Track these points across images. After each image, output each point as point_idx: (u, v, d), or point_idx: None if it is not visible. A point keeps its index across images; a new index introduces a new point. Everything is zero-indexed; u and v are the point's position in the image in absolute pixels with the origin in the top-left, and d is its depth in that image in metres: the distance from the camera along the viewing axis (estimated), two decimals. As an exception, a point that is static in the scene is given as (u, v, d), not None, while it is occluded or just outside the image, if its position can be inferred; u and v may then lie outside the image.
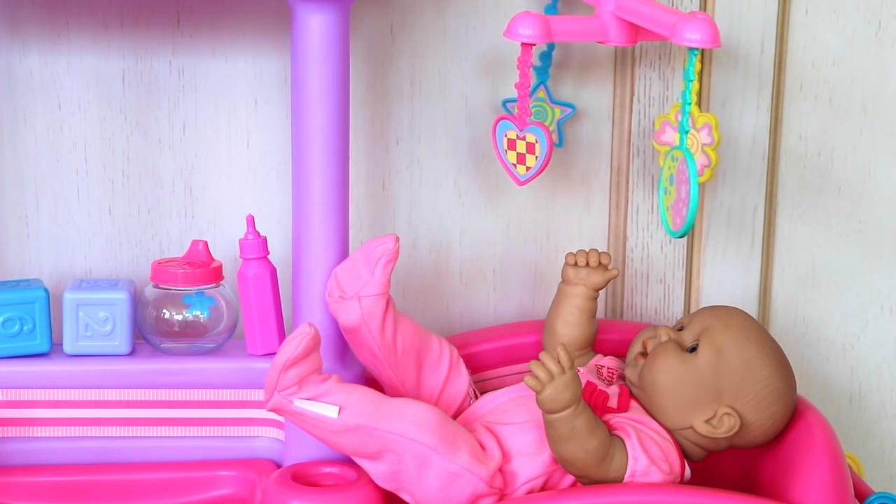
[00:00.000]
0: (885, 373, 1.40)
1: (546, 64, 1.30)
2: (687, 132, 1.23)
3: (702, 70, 1.24)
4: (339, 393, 1.08)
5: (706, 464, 1.16)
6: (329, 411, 1.07)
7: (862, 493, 1.20)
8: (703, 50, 1.20)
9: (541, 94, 1.30)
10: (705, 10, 1.31)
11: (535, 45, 1.19)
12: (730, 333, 1.14)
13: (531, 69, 1.28)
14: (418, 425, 1.08)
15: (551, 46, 1.29)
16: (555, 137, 1.30)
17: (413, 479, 1.09)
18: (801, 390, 1.18)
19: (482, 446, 1.11)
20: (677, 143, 1.24)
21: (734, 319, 1.16)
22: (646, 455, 1.10)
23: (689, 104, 1.22)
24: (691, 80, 1.20)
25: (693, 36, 1.12)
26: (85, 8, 1.26)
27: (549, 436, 1.09)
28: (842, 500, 1.09)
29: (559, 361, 1.07)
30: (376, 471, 1.10)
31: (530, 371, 1.08)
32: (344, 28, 1.15)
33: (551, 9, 1.27)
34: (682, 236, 1.23)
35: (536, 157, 1.21)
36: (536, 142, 1.21)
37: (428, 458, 1.08)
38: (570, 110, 1.31)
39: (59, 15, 1.26)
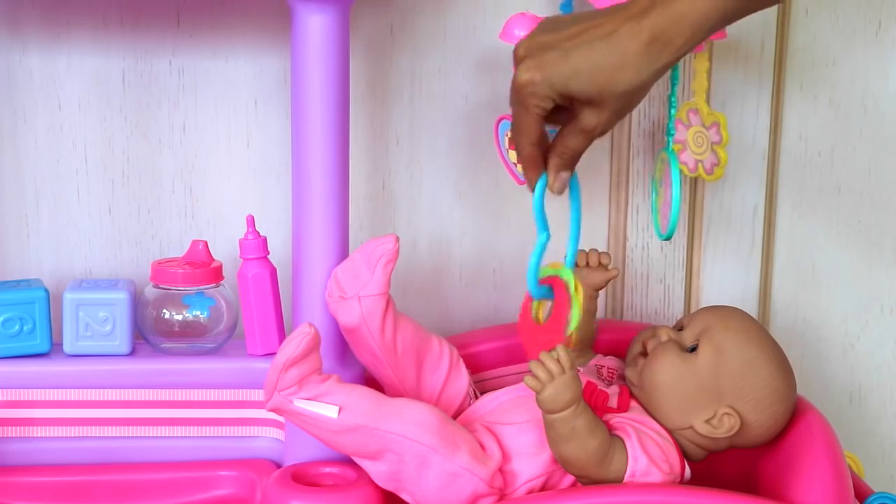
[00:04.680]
0: (885, 373, 1.40)
1: None
2: (672, 135, 1.24)
3: (709, 67, 1.24)
4: (339, 393, 1.08)
5: (706, 464, 1.16)
6: (329, 411, 1.07)
7: (862, 493, 1.20)
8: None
9: None
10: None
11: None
12: (730, 334, 1.14)
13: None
14: (418, 425, 1.08)
15: None
16: None
17: (413, 480, 1.09)
18: (801, 390, 1.18)
19: (482, 446, 1.11)
20: (670, 144, 1.25)
21: (734, 320, 1.16)
22: (646, 455, 1.10)
23: (675, 107, 1.22)
24: (676, 84, 1.21)
25: None
26: (85, 8, 1.26)
27: (549, 436, 1.09)
28: (842, 500, 1.09)
29: (559, 361, 1.07)
30: (376, 471, 1.10)
31: (530, 371, 1.08)
32: (344, 28, 1.15)
33: (567, 7, 1.28)
34: (667, 238, 1.24)
35: None
36: None
37: (428, 459, 1.08)
38: None
39: (59, 15, 1.26)
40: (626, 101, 1.02)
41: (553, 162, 1.07)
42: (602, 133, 1.05)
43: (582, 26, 1.01)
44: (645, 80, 1.00)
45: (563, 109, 1.05)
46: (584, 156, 1.34)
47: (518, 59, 1.03)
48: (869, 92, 1.34)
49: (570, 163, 1.07)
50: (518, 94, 1.03)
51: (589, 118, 1.03)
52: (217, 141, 1.31)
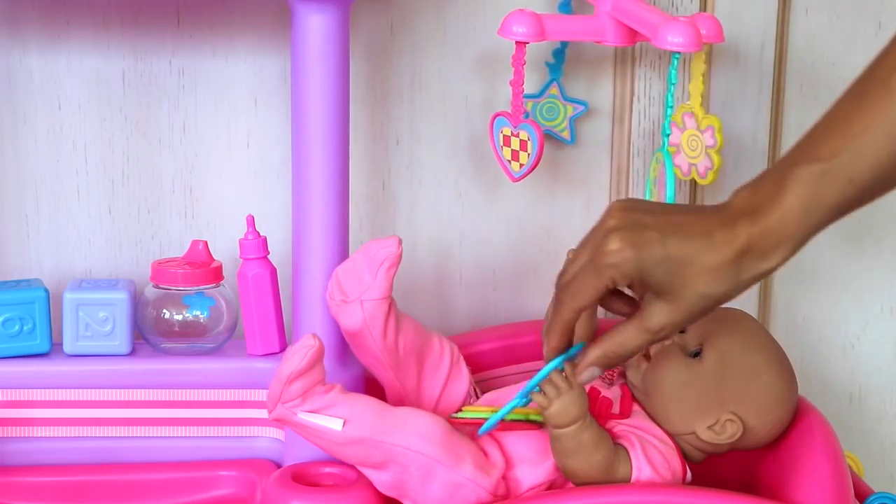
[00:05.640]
0: (885, 373, 1.40)
1: (559, 61, 1.30)
2: (668, 135, 1.24)
3: (707, 70, 1.24)
4: (344, 405, 1.08)
5: (706, 464, 1.16)
6: (333, 424, 1.07)
7: (862, 493, 1.20)
8: (703, 51, 1.21)
9: (553, 90, 1.30)
10: (705, 10, 1.31)
11: (528, 43, 1.19)
12: (733, 338, 1.13)
13: (545, 65, 1.29)
14: (422, 437, 1.08)
15: (564, 44, 1.30)
16: (567, 134, 1.31)
17: (417, 489, 1.09)
18: (802, 390, 1.18)
19: (485, 453, 1.11)
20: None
21: (737, 323, 1.15)
22: (650, 465, 1.09)
23: (672, 107, 1.22)
24: (674, 84, 1.21)
25: (674, 39, 1.13)
26: (85, 8, 1.26)
27: (555, 449, 1.09)
28: (842, 501, 1.09)
29: (566, 377, 1.07)
30: (380, 479, 1.10)
31: (530, 372, 1.08)
32: (344, 28, 1.15)
33: (565, 7, 1.28)
34: None
35: (529, 154, 1.22)
36: (528, 139, 1.21)
37: (432, 470, 1.08)
38: (581, 107, 1.31)
39: (59, 15, 1.26)
40: (702, 306, 0.96)
41: (594, 354, 1.02)
42: (664, 338, 0.99)
43: (679, 218, 0.97)
44: (728, 289, 0.96)
45: (622, 298, 1.01)
46: (584, 154, 1.35)
47: (608, 228, 0.98)
48: (869, 92, 1.34)
49: (616, 363, 1.01)
50: (598, 259, 0.97)
51: (658, 316, 0.97)
52: (217, 141, 1.31)
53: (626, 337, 1.00)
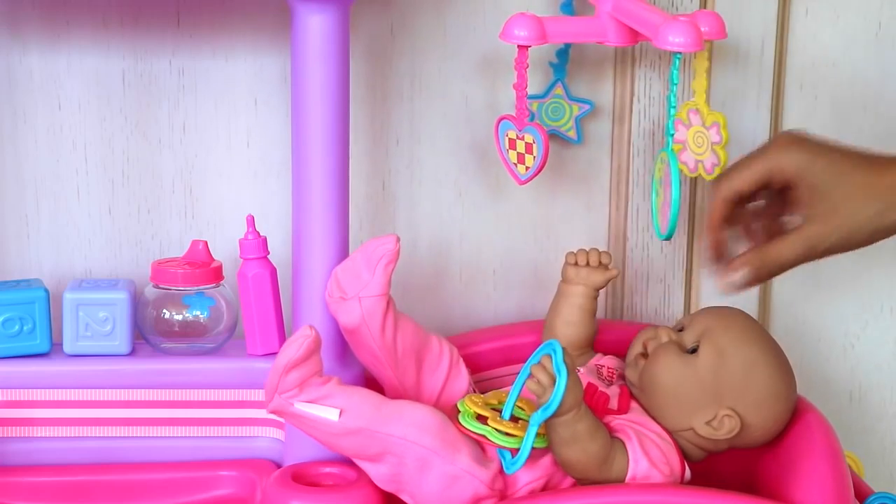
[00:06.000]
0: (885, 372, 1.40)
1: (563, 61, 1.30)
2: (672, 135, 1.23)
3: (709, 67, 1.24)
4: (340, 395, 1.08)
5: (706, 464, 1.16)
6: (330, 414, 1.07)
7: (862, 493, 1.20)
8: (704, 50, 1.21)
9: (558, 90, 1.30)
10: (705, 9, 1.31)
11: (530, 46, 1.19)
12: (730, 335, 1.14)
13: (549, 65, 1.29)
14: (419, 428, 1.08)
15: (568, 44, 1.30)
16: (573, 134, 1.31)
17: (414, 482, 1.09)
18: (801, 390, 1.18)
19: (482, 448, 1.11)
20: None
21: (735, 321, 1.16)
22: (646, 458, 1.10)
23: (674, 107, 1.22)
24: (676, 84, 1.21)
25: (675, 39, 1.13)
26: (85, 8, 1.26)
27: (551, 439, 1.09)
28: (842, 500, 1.09)
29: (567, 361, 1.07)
30: (377, 473, 1.10)
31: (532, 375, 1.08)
32: (344, 28, 1.15)
33: (567, 7, 1.28)
34: (667, 238, 1.23)
35: (534, 157, 1.22)
36: (534, 142, 1.21)
37: (429, 461, 1.08)
38: (587, 107, 1.31)
39: (59, 15, 1.26)
40: (856, 223, 1.03)
41: (750, 256, 1.07)
42: (819, 255, 1.04)
43: (848, 145, 1.05)
44: (876, 212, 1.02)
45: (750, 231, 1.08)
46: (584, 154, 1.35)
47: (780, 135, 1.06)
48: (869, 92, 1.34)
49: (767, 273, 1.06)
50: (765, 149, 1.05)
51: (815, 227, 1.03)
52: (217, 141, 1.31)
53: (782, 247, 1.05)
